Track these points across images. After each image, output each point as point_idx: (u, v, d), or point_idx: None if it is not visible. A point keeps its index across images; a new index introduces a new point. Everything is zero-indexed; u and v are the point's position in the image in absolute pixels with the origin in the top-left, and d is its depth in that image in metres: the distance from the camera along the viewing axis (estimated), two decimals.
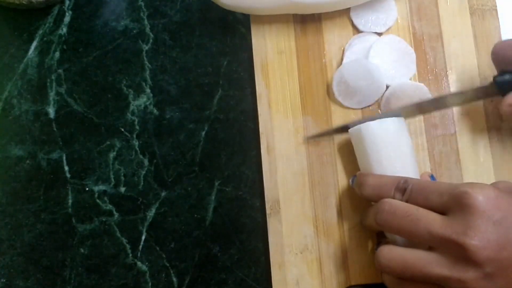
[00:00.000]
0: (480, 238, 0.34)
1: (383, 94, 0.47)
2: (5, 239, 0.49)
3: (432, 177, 0.44)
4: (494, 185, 0.37)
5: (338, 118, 0.48)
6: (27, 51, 0.52)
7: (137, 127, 0.50)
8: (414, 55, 0.48)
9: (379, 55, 0.48)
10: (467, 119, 0.47)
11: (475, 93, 0.43)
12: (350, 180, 0.45)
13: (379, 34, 0.49)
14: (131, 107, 0.50)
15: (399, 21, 0.49)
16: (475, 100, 0.44)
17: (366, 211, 0.43)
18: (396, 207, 0.38)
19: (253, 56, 0.50)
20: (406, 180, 0.39)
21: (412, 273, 0.36)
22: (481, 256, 0.34)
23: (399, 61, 0.48)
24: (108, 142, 0.50)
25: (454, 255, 0.35)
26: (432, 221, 0.36)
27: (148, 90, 0.51)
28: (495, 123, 0.47)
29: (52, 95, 0.51)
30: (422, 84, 0.48)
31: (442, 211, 0.37)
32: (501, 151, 0.47)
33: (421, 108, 0.45)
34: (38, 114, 0.51)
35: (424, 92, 0.47)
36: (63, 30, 0.52)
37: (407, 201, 0.39)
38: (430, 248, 0.37)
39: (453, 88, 0.48)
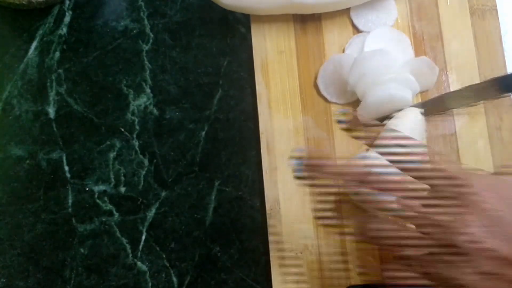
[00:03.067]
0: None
1: None
2: (5, 239, 0.49)
3: None
4: None
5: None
6: (27, 51, 0.52)
7: (137, 127, 0.50)
8: (408, 40, 0.48)
9: (374, 48, 0.47)
10: (467, 119, 0.47)
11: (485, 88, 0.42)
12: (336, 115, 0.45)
13: None
14: (131, 107, 0.50)
15: (399, 21, 0.49)
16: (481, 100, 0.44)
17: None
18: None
19: (253, 56, 0.50)
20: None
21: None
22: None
23: (395, 49, 0.48)
24: (108, 142, 0.50)
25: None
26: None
27: (148, 90, 0.51)
28: (495, 123, 0.47)
29: (52, 95, 0.51)
30: (426, 57, 0.48)
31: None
32: (501, 151, 0.47)
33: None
34: (38, 114, 0.51)
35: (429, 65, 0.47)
36: (63, 30, 0.52)
37: None
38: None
39: (453, 88, 0.48)
